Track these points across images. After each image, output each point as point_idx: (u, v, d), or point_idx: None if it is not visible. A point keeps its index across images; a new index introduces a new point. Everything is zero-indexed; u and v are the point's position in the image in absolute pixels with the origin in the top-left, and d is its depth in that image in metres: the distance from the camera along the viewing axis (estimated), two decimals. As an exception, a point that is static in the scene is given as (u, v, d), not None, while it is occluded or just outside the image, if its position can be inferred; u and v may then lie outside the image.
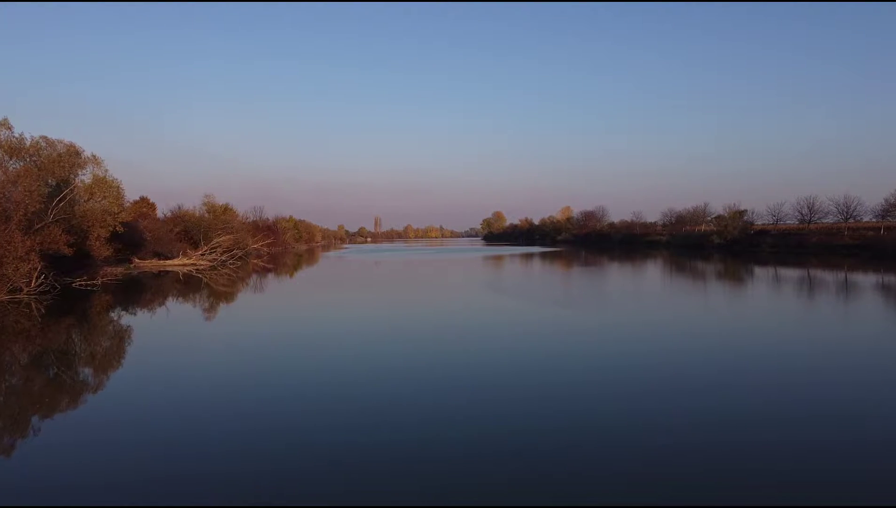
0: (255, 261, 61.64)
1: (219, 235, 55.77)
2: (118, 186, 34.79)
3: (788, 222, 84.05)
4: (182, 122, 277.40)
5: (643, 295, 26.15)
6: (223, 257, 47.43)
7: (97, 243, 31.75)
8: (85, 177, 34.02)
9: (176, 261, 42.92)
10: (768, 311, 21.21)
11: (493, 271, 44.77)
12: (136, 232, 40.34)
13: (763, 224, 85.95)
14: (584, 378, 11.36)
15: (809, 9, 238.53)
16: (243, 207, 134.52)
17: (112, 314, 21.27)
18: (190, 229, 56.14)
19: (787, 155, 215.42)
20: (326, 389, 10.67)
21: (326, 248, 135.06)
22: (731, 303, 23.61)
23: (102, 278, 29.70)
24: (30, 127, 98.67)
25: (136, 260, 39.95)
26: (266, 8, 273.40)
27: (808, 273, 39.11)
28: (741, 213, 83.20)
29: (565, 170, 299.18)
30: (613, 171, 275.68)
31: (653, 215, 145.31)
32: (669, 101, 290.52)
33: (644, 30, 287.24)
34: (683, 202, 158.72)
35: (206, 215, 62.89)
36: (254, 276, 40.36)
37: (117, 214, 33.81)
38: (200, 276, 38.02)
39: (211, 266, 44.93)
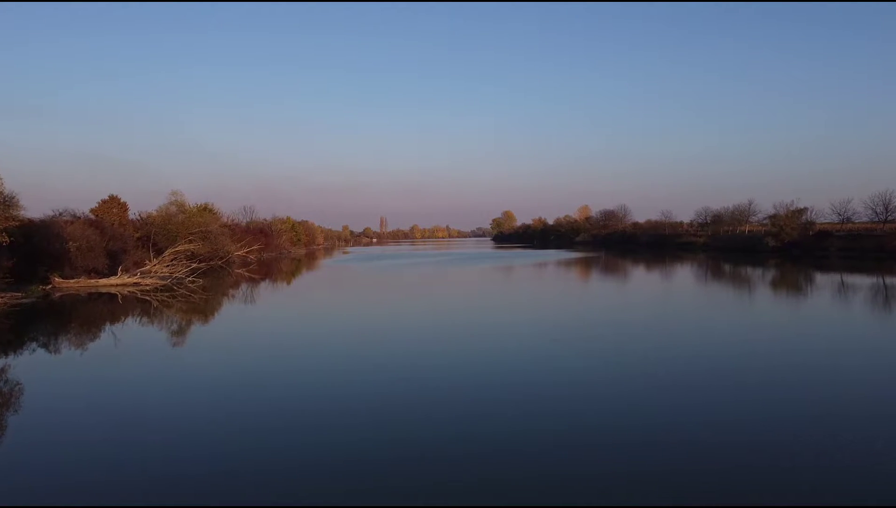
0: (239, 271, 54.16)
1: (189, 241, 46.45)
2: (-8, 176, 24.05)
3: (855, 221, 72.66)
4: (182, 122, 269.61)
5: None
6: (181, 273, 37.58)
7: (-51, 263, 21.50)
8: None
9: (114, 280, 33.24)
10: None
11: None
12: (54, 241, 30.67)
13: (822, 223, 74.06)
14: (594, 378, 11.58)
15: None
16: (245, 207, 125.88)
17: None
18: (154, 235, 46.66)
19: (850, 152, 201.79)
20: (323, 391, 10.97)
21: (329, 250, 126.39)
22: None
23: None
24: (30, 128, 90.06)
25: (58, 280, 30.46)
26: (267, 8, 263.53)
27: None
28: (800, 211, 71.10)
29: (577, 169, 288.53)
30: (622, 170, 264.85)
31: (679, 214, 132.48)
32: (672, 100, 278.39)
33: (652, 30, 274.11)
34: (717, 201, 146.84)
35: (178, 215, 53.05)
36: (226, 294, 31.22)
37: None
38: (148, 299, 28.99)
39: (165, 285, 35.34)
